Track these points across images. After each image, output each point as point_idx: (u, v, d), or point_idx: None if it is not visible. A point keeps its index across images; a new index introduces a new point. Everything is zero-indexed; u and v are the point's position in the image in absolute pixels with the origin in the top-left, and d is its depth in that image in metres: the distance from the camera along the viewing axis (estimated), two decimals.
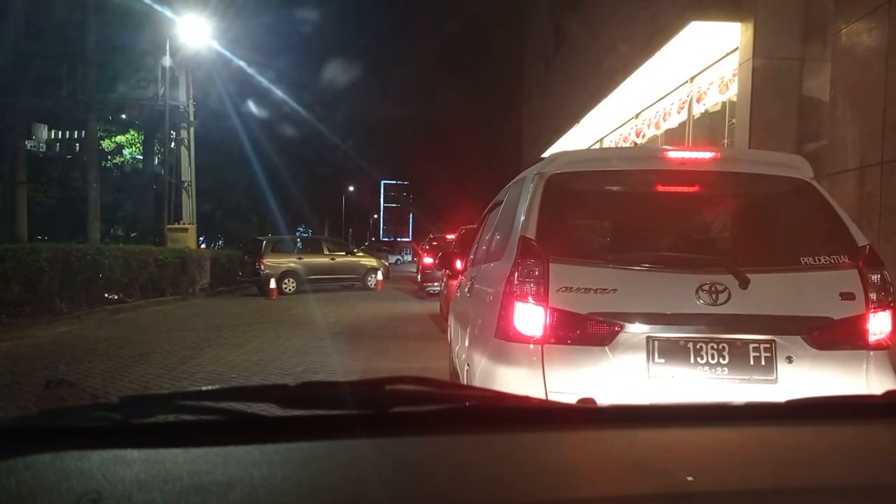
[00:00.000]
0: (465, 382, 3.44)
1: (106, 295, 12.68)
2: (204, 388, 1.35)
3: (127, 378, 6.43)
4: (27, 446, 0.98)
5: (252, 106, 28.10)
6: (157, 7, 17.96)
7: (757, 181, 3.16)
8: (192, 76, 20.56)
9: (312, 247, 20.19)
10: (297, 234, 31.82)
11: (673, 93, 10.96)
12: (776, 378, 2.70)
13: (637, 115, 12.92)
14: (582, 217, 3.31)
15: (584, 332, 2.76)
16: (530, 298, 2.81)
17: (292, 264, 18.14)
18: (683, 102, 10.45)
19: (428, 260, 16.24)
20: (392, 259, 40.80)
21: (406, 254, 52.29)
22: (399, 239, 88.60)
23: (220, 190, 28.24)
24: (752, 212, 3.27)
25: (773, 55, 7.74)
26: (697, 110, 10.00)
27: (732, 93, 8.63)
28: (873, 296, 2.78)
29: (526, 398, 1.39)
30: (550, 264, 2.81)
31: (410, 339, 9.24)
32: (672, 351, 2.72)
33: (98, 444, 1.00)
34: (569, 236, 3.10)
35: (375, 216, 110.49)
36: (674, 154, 3.21)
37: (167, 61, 18.56)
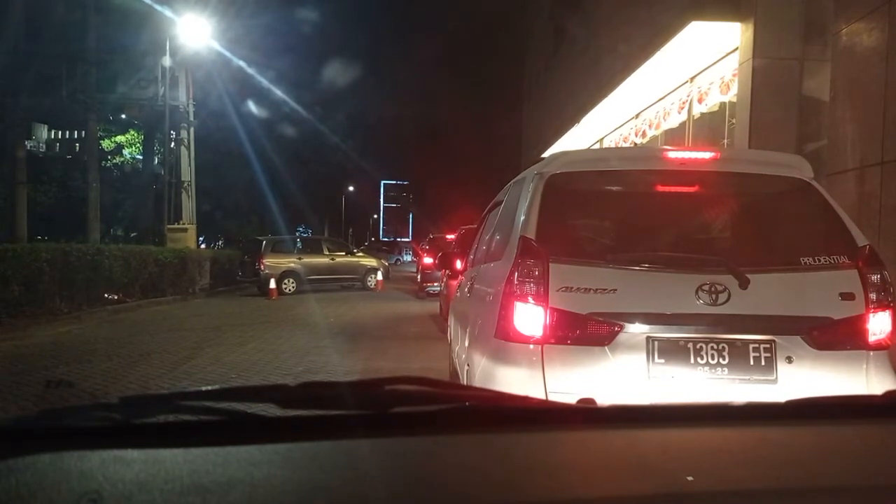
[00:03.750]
0: (465, 382, 3.44)
1: (106, 295, 12.68)
2: (204, 389, 1.35)
3: (127, 378, 6.44)
4: (27, 446, 0.98)
5: (252, 106, 28.05)
6: (157, 7, 17.94)
7: (757, 181, 3.16)
8: (192, 76, 20.53)
9: (312, 247, 20.18)
10: (297, 234, 31.80)
11: (673, 93, 10.96)
12: (776, 378, 2.70)
13: (637, 115, 12.92)
14: (582, 217, 3.31)
15: (584, 332, 2.76)
16: (530, 298, 2.81)
17: (292, 264, 18.13)
18: (684, 102, 10.45)
19: (428, 260, 16.24)
20: (391, 259, 40.69)
21: (406, 253, 52.03)
22: (399, 239, 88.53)
23: (220, 190, 28.19)
24: (752, 212, 3.27)
25: (773, 55, 7.74)
26: (697, 110, 10.00)
27: (733, 93, 8.63)
28: (873, 296, 2.79)
29: (526, 398, 1.39)
30: (550, 264, 2.81)
31: (410, 339, 9.24)
32: (672, 351, 2.72)
33: (98, 444, 1.00)
34: (569, 236, 3.10)
35: (375, 216, 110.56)
36: (674, 154, 3.21)
37: (167, 61, 18.54)
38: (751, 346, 2.73)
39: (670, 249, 2.94)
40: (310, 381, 2.14)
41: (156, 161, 25.63)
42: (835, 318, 2.77)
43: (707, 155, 3.22)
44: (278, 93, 28.82)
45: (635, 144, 12.49)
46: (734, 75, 8.53)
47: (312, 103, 32.76)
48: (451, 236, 16.58)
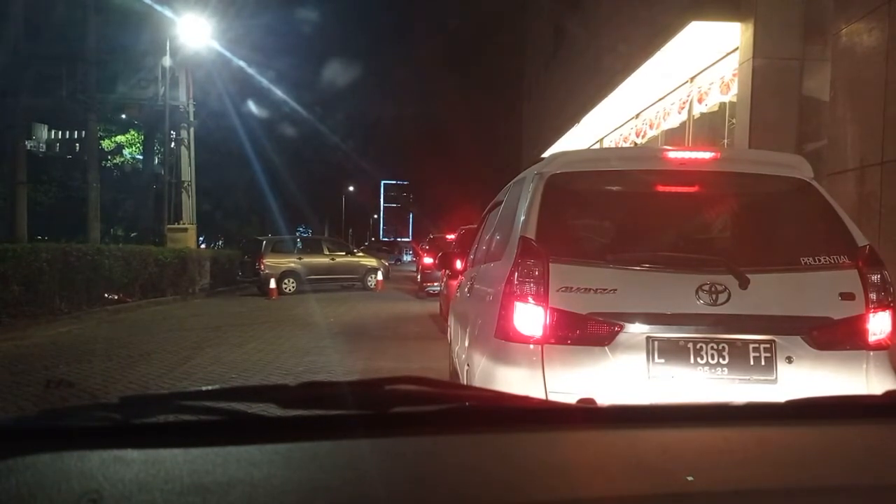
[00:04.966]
0: (465, 382, 3.44)
1: (106, 295, 12.67)
2: (204, 388, 1.36)
3: (127, 378, 6.43)
4: (27, 446, 0.98)
5: (252, 106, 28.08)
6: (157, 7, 17.95)
7: (757, 181, 3.16)
8: (192, 76, 20.53)
9: (312, 247, 20.19)
10: (297, 234, 31.81)
11: (673, 93, 10.97)
12: (776, 378, 2.70)
13: (637, 115, 12.92)
14: (582, 217, 3.31)
15: (584, 332, 2.76)
16: (530, 298, 2.81)
17: (292, 264, 18.14)
18: (684, 102, 10.45)
19: (428, 260, 16.24)
20: (391, 259, 40.62)
21: (406, 253, 51.77)
22: (399, 239, 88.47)
23: (220, 190, 28.21)
24: (752, 212, 3.26)
25: (773, 55, 7.75)
26: (697, 110, 10.00)
27: (733, 93, 8.64)
28: (873, 296, 2.79)
29: (526, 398, 1.39)
30: (550, 264, 2.81)
31: (410, 339, 9.24)
32: (672, 351, 2.72)
33: (98, 444, 1.00)
34: (569, 236, 3.10)
35: (375, 216, 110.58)
36: (674, 154, 3.21)
37: (167, 61, 18.55)
38: (751, 346, 2.73)
39: (670, 249, 2.94)
40: (310, 381, 2.14)
41: (156, 161, 25.64)
42: (835, 318, 2.77)
43: (707, 155, 3.22)
44: (278, 93, 28.88)
45: (635, 144, 12.49)
46: (734, 75, 8.53)
47: (312, 103, 32.83)
48: (451, 236, 16.58)
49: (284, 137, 32.30)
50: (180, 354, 7.79)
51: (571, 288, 2.78)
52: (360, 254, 21.84)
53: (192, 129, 20.71)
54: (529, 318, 2.80)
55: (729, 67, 8.80)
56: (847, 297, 2.78)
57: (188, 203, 20.30)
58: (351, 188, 60.69)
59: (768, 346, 2.72)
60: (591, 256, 2.91)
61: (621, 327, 2.74)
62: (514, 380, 2.78)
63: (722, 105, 9.27)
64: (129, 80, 19.70)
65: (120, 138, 30.61)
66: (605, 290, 2.77)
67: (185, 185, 20.26)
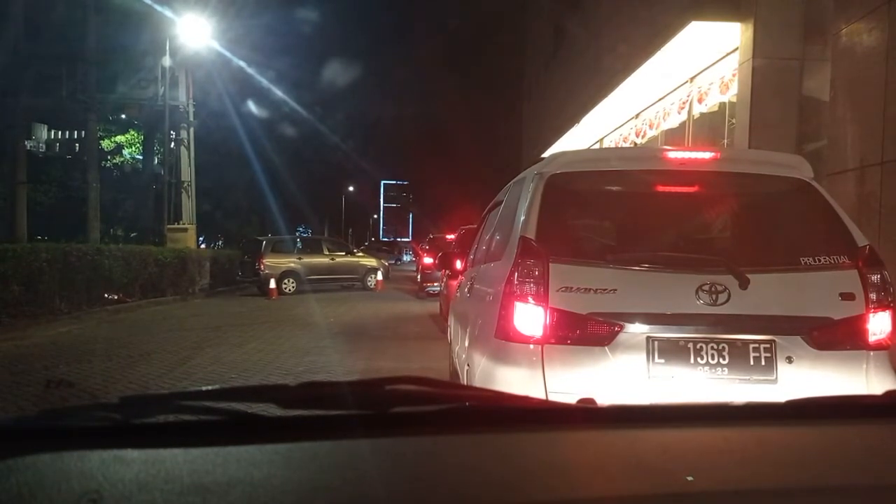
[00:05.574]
0: (465, 382, 3.44)
1: (106, 295, 12.67)
2: (204, 388, 1.36)
3: (127, 378, 6.43)
4: (27, 446, 0.98)
5: (252, 106, 28.08)
6: (157, 7, 17.95)
7: (757, 181, 3.16)
8: (192, 76, 20.53)
9: (312, 247, 20.19)
10: (297, 234, 31.81)
11: (673, 93, 10.97)
12: (776, 378, 2.70)
13: (637, 115, 12.93)
14: (582, 217, 3.31)
15: (584, 332, 2.76)
16: (530, 298, 2.81)
17: (292, 264, 18.14)
18: (684, 102, 10.45)
19: (428, 260, 16.24)
20: (391, 260, 40.54)
21: (406, 254, 51.59)
22: (399, 239, 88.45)
23: (220, 190, 28.22)
24: (752, 212, 3.26)
25: (773, 55, 7.75)
26: (697, 110, 10.00)
27: (733, 93, 8.64)
28: (873, 296, 2.79)
29: (526, 398, 1.39)
30: (550, 264, 2.81)
31: (410, 339, 9.24)
32: (672, 351, 2.72)
33: (98, 444, 1.00)
34: (569, 236, 3.10)
35: (375, 216, 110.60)
36: (674, 154, 3.21)
37: (167, 61, 18.55)
38: (751, 346, 2.73)
39: (670, 249, 2.94)
40: (310, 381, 2.14)
41: (156, 161, 25.62)
42: (835, 318, 2.77)
43: (707, 155, 3.22)
44: (278, 93, 28.90)
45: (635, 144, 12.50)
46: (734, 75, 8.53)
47: (312, 103, 32.85)
48: (451, 236, 16.58)
49: (284, 137, 32.34)
50: (180, 354, 7.79)
51: (571, 288, 2.78)
52: (360, 254, 21.84)
53: (191, 129, 20.71)
54: (529, 318, 2.80)
55: (729, 67, 8.80)
56: (847, 297, 2.78)
57: (188, 203, 20.30)
58: (351, 188, 60.71)
59: (768, 346, 2.72)
60: (591, 256, 2.91)
61: (621, 327, 2.74)
62: (514, 380, 2.78)
63: (722, 105, 9.27)
64: (129, 80, 19.70)
65: (120, 138, 30.60)
66: (605, 290, 2.77)
67: (185, 185, 20.25)
